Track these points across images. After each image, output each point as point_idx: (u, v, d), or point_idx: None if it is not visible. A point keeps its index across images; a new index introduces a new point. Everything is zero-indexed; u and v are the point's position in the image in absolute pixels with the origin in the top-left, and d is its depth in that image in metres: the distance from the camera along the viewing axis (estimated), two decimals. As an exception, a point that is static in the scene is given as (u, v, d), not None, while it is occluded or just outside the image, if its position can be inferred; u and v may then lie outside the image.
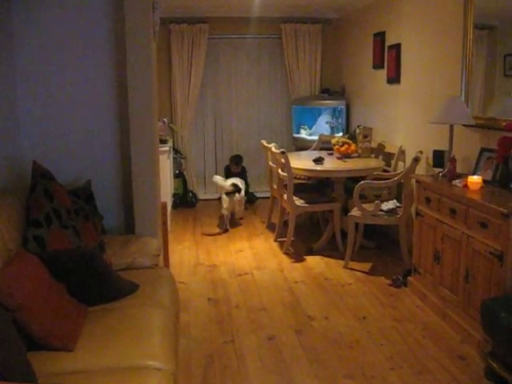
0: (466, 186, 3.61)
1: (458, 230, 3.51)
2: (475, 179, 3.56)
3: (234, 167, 7.38)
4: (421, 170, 4.77)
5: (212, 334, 3.58)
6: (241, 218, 6.57)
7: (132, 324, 2.52)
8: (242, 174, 7.32)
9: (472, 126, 4.00)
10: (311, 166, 5.28)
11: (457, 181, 3.71)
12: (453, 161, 3.86)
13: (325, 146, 6.66)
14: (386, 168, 5.48)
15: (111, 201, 3.85)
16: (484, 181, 3.61)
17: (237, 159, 7.42)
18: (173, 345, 2.52)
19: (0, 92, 3.38)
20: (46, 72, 3.68)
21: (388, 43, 5.75)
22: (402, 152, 5.39)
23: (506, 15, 3.89)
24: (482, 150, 3.87)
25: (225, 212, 6.24)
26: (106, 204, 3.78)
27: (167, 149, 6.34)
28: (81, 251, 2.76)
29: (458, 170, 3.94)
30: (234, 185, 6.27)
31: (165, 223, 4.18)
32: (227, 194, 6.21)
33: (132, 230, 3.81)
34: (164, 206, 4.14)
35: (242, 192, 6.38)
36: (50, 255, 2.65)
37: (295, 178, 5.36)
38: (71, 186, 3.55)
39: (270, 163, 6.00)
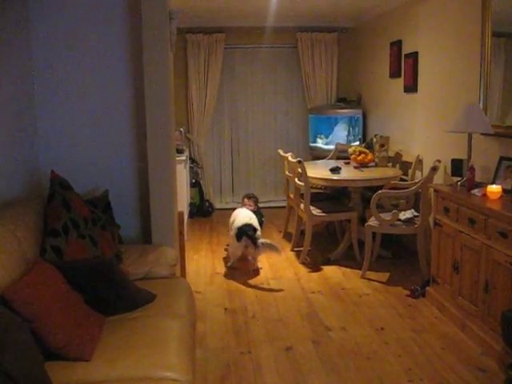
0: (485, 195, 3.57)
1: (477, 239, 3.47)
2: (494, 188, 3.52)
3: (248, 203, 5.91)
4: (439, 179, 4.72)
5: (229, 344, 3.57)
6: (256, 269, 5.07)
7: (149, 334, 2.51)
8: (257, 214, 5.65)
9: (490, 134, 3.95)
10: (328, 175, 5.26)
11: (476, 190, 3.67)
12: (471, 170, 3.82)
13: (342, 154, 6.64)
14: (403, 177, 5.44)
15: (128, 210, 3.86)
16: (504, 190, 3.56)
17: (251, 197, 6.04)
18: (190, 355, 2.51)
19: (18, 100, 3.43)
20: (64, 81, 3.72)
21: (405, 52, 5.72)
22: (420, 161, 5.35)
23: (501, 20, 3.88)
24: (501, 159, 3.83)
25: (231, 260, 5.14)
26: (123, 213, 3.78)
27: (184, 158, 6.36)
28: (98, 261, 2.77)
29: (477, 178, 3.90)
30: (248, 225, 4.89)
31: (182, 233, 4.19)
32: (239, 235, 4.89)
33: (149, 240, 3.82)
34: (181, 215, 4.15)
35: (259, 237, 4.90)
36: (68, 264, 2.66)
37: (312, 187, 5.34)
38: (88, 195, 3.57)
39: (287, 172, 6.00)
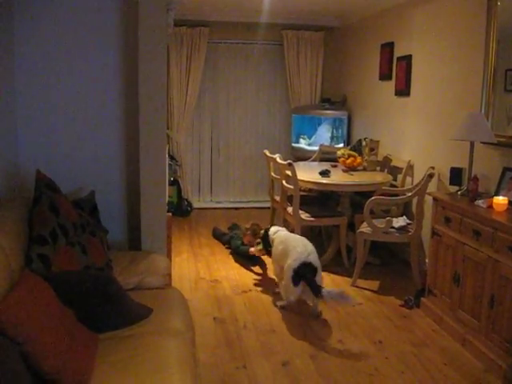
0: (490, 206, 3.46)
1: (482, 252, 3.35)
2: (501, 200, 3.41)
3: (251, 238, 5.14)
4: (432, 186, 4.60)
5: (222, 358, 3.37)
6: (318, 315, 4.04)
7: (149, 355, 2.30)
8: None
9: (493, 143, 3.85)
10: (318, 178, 5.10)
11: (480, 201, 3.56)
12: (475, 180, 3.70)
13: (325, 156, 6.50)
14: (392, 182, 5.33)
15: (115, 213, 3.64)
16: (509, 202, 3.45)
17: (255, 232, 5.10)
18: (193, 378, 2.31)
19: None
20: (47, 77, 3.47)
21: (397, 54, 5.59)
22: (411, 167, 5.23)
23: (507, 29, 3.81)
24: (505, 170, 3.72)
25: (284, 301, 4.10)
26: (110, 217, 3.55)
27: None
28: (95, 274, 2.53)
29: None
30: (307, 266, 3.87)
31: (169, 237, 3.96)
32: (295, 279, 3.85)
33: (136, 245, 3.59)
34: (169, 219, 3.92)
35: (321, 282, 3.92)
36: (58, 277, 2.42)
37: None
38: (73, 196, 3.31)
39: (273, 174, 5.82)
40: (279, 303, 4.18)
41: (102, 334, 2.43)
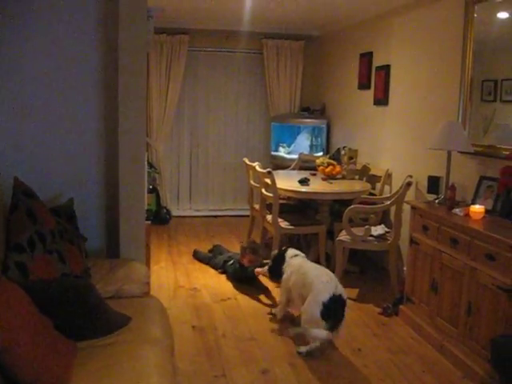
0: (467, 215, 3.50)
1: (459, 260, 3.39)
2: (478, 209, 3.46)
3: (254, 259, 4.71)
4: (410, 195, 4.64)
5: (201, 366, 3.34)
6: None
7: (128, 363, 2.27)
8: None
9: (470, 153, 3.91)
10: (297, 186, 5.12)
11: (457, 209, 3.60)
12: (452, 188, 3.76)
13: (304, 164, 6.53)
14: (371, 191, 5.37)
15: (93, 221, 3.58)
16: (485, 210, 3.50)
17: (255, 251, 4.79)
18: (172, 386, 2.29)
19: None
20: (22, 82, 3.37)
21: (376, 64, 5.66)
22: (389, 175, 5.29)
23: (483, 40, 3.89)
24: (482, 178, 3.78)
25: (310, 345, 3.51)
26: (88, 224, 3.50)
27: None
28: (73, 282, 2.50)
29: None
30: (338, 299, 3.47)
31: (148, 245, 3.93)
32: (325, 314, 3.40)
33: (115, 253, 3.55)
34: (148, 227, 3.89)
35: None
36: (36, 285, 2.38)
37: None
38: (51, 203, 3.26)
39: (252, 182, 5.82)
40: (302, 349, 3.50)
41: (80, 343, 2.39)
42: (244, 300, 4.49)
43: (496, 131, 3.79)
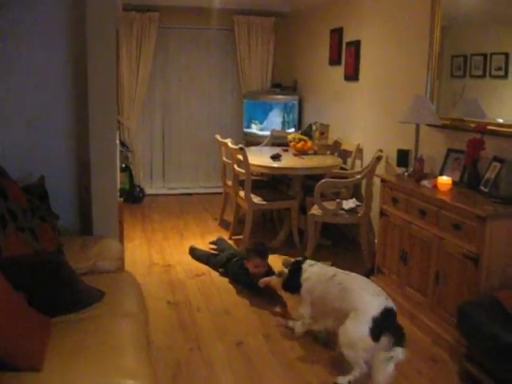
0: (435, 186, 3.58)
1: (428, 231, 3.48)
2: (445, 180, 3.54)
3: (261, 264, 4.11)
4: (380, 168, 4.72)
5: (176, 341, 3.39)
6: None
7: (102, 337, 2.30)
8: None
9: (437, 126, 3.98)
10: (269, 162, 5.16)
11: (425, 181, 3.68)
12: (421, 161, 3.83)
13: (276, 141, 6.56)
14: (342, 166, 5.43)
15: (66, 199, 3.58)
16: (453, 182, 3.59)
17: (263, 254, 4.16)
18: (147, 357, 2.32)
19: None
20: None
21: (346, 40, 5.69)
22: (360, 150, 5.35)
23: (452, 15, 3.94)
24: (449, 151, 3.86)
25: (355, 372, 2.84)
26: (61, 202, 3.48)
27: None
28: (45, 258, 2.50)
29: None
30: (389, 314, 2.90)
31: (121, 222, 3.94)
32: (376, 331, 2.81)
33: (88, 231, 3.56)
34: (121, 204, 3.90)
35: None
36: (8, 261, 2.38)
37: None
38: (22, 182, 3.24)
39: (224, 158, 5.83)
40: (344, 380, 2.85)
41: (55, 318, 2.41)
42: (217, 275, 4.53)
43: (465, 105, 3.86)
